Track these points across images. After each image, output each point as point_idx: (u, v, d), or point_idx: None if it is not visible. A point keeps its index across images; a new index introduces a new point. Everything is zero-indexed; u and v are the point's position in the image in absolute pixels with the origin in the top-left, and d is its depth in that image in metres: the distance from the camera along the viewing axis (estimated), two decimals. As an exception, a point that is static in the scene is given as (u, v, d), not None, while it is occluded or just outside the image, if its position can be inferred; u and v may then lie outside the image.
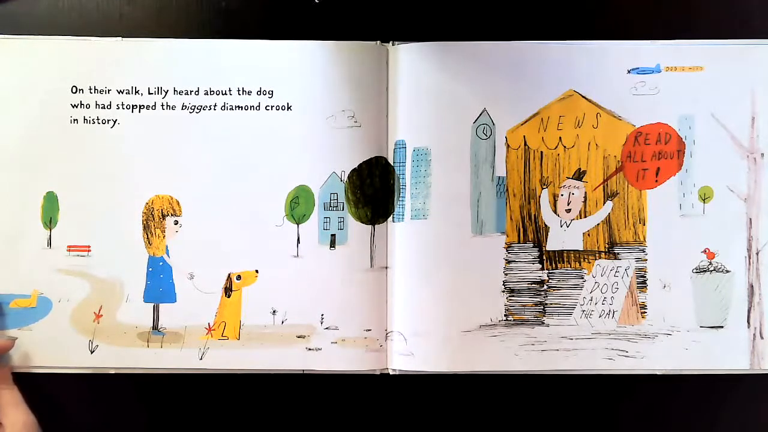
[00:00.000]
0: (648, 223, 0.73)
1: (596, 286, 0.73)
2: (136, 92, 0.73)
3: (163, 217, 0.73)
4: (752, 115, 0.73)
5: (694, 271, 0.73)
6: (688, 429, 0.74)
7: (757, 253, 0.73)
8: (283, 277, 0.73)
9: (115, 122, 0.73)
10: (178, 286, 0.73)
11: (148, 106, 0.73)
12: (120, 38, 0.74)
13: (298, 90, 0.73)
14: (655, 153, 0.73)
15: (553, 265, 0.74)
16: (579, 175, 0.74)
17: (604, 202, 0.74)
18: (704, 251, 0.73)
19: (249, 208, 0.73)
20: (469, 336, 0.72)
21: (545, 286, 0.73)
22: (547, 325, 0.73)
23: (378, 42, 0.73)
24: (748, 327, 0.73)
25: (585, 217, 0.74)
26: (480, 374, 0.73)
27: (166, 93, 0.73)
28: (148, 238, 0.73)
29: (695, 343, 0.73)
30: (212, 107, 0.73)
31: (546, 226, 0.74)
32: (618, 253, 0.73)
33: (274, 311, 0.72)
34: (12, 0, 0.75)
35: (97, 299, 0.72)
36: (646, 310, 0.73)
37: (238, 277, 0.72)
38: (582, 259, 0.74)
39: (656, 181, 0.73)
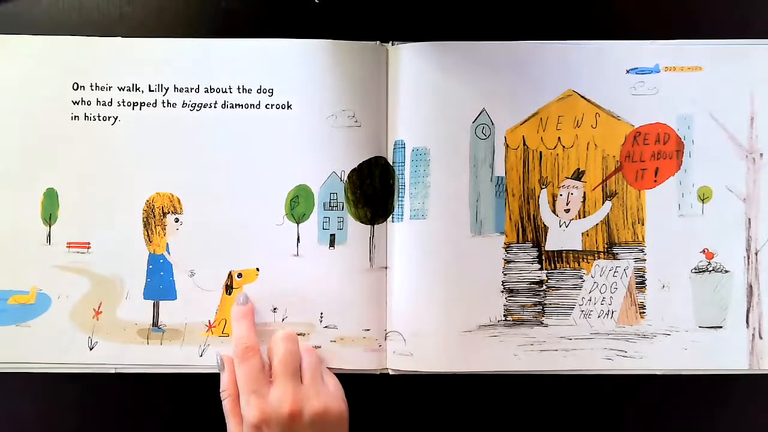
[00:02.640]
0: (647, 223, 0.73)
1: (595, 286, 0.73)
2: (137, 89, 0.73)
3: (164, 214, 0.73)
4: (751, 115, 0.73)
5: (693, 271, 0.73)
6: (686, 429, 0.74)
7: (756, 253, 0.73)
8: (283, 276, 0.72)
9: (116, 119, 0.73)
10: (178, 283, 0.72)
11: (148, 104, 0.73)
12: (120, 38, 0.74)
13: (298, 89, 0.73)
14: (653, 153, 0.73)
15: (552, 265, 0.74)
16: (578, 175, 0.74)
17: (603, 202, 0.74)
18: (703, 251, 0.73)
19: (249, 207, 0.73)
20: (468, 336, 0.72)
21: (544, 286, 0.73)
22: (546, 326, 0.73)
23: (378, 42, 0.74)
24: (747, 327, 0.73)
25: (584, 217, 0.74)
26: (479, 374, 0.73)
27: (167, 90, 0.73)
28: (148, 235, 0.73)
29: (694, 343, 0.73)
30: (213, 105, 0.73)
31: (545, 226, 0.74)
32: (617, 253, 0.73)
33: (274, 309, 0.72)
34: (12, 0, 0.75)
35: (97, 296, 0.72)
36: (645, 310, 0.73)
37: (239, 275, 0.72)
38: (581, 259, 0.74)
39: (655, 181, 0.73)
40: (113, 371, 0.72)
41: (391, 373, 0.72)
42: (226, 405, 0.69)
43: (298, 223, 0.73)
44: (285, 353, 0.68)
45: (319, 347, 0.72)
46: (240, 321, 0.70)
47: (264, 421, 0.65)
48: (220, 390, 0.69)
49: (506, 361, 0.72)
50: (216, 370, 0.71)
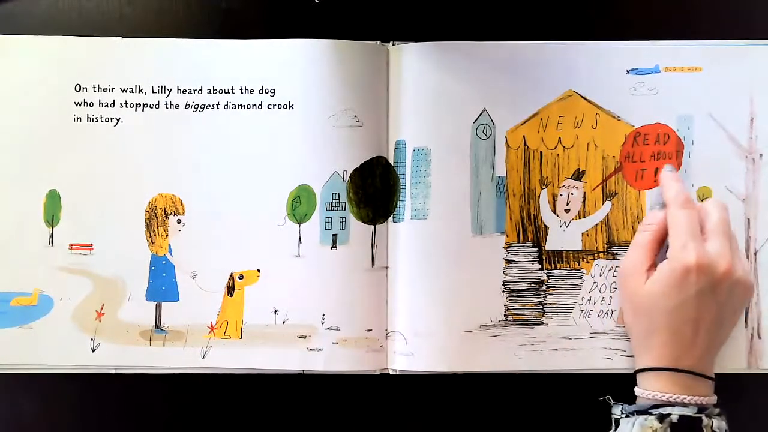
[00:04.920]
0: (647, 223, 0.73)
1: (595, 286, 0.73)
2: (140, 91, 0.73)
3: (166, 215, 0.73)
4: (751, 115, 0.73)
5: (693, 270, 0.73)
6: (686, 428, 0.75)
7: (755, 253, 0.73)
8: (284, 277, 0.72)
9: (118, 121, 0.73)
10: (180, 284, 0.72)
11: (151, 105, 0.73)
12: (122, 38, 0.74)
13: (299, 89, 0.73)
14: (653, 153, 0.74)
15: (553, 265, 0.74)
16: (578, 176, 0.74)
17: (603, 203, 0.74)
18: (703, 251, 0.73)
19: (251, 208, 0.73)
20: (470, 336, 0.72)
21: (544, 286, 0.74)
22: (547, 325, 0.73)
23: (378, 42, 0.74)
24: (746, 327, 0.73)
25: (584, 217, 0.74)
26: (479, 374, 0.73)
27: (170, 92, 0.73)
28: (150, 236, 0.73)
29: (693, 343, 0.73)
30: (215, 106, 0.73)
31: (545, 226, 0.74)
32: (617, 253, 0.74)
33: (275, 311, 0.72)
34: (12, 0, 0.75)
35: (99, 297, 0.72)
36: (644, 310, 0.73)
37: (241, 276, 0.72)
38: (581, 259, 0.74)
39: (655, 181, 0.73)
40: (113, 372, 0.72)
41: (392, 373, 0.72)
42: (645, 237, 0.69)
43: (299, 224, 0.73)
44: (722, 217, 0.68)
45: (321, 350, 0.72)
46: (675, 181, 0.70)
47: (698, 268, 0.64)
48: (645, 223, 0.71)
49: (507, 361, 0.72)
50: (219, 372, 0.71)
